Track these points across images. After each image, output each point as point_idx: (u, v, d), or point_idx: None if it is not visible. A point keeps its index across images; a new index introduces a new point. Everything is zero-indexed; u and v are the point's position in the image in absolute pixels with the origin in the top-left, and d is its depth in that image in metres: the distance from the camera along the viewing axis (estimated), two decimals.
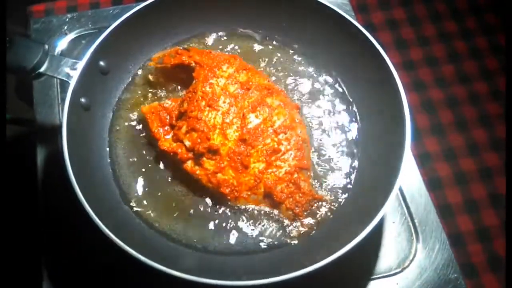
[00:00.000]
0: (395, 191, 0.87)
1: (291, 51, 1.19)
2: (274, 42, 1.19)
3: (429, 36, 1.88)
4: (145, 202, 1.00)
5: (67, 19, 1.30)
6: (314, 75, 1.16)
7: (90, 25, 1.30)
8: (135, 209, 1.00)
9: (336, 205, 1.00)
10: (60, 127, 0.92)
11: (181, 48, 1.13)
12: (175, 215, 0.99)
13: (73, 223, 0.95)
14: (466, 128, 1.72)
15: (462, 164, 1.66)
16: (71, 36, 1.29)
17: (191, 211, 1.00)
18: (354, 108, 1.11)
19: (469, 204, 1.60)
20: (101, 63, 1.04)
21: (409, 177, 1.11)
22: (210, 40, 1.20)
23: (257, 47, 1.19)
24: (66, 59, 1.00)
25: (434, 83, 1.80)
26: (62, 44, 1.28)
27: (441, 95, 1.79)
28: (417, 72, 1.84)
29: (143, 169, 1.04)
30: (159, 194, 1.01)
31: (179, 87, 1.13)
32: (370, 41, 1.02)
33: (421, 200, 1.09)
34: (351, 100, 1.12)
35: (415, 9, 1.95)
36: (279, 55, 1.18)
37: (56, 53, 1.25)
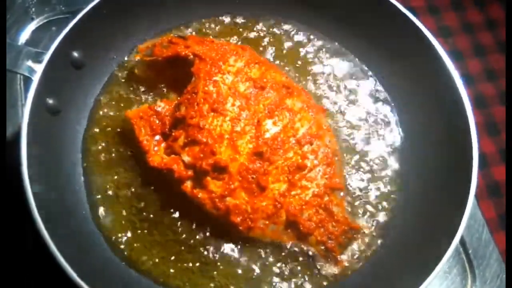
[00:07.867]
0: (460, 232, 0.74)
1: (310, 39, 1.04)
2: (290, 29, 1.05)
3: (452, 26, 1.76)
4: (129, 240, 0.87)
5: (34, 1, 1.16)
6: (342, 68, 1.02)
7: (62, 8, 1.15)
8: (116, 249, 0.84)
9: (380, 239, 0.86)
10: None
11: (176, 36, 1.01)
12: (169, 256, 0.85)
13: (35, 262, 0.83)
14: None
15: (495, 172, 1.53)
16: (39, 21, 1.15)
17: (191, 249, 0.84)
18: (396, 112, 0.98)
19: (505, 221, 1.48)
20: (74, 54, 0.92)
21: None
22: (212, 26, 1.06)
23: (268, 35, 1.05)
24: (28, 48, 0.89)
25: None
26: (27, 31, 1.13)
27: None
28: None
29: (127, 192, 0.90)
30: (148, 226, 0.87)
31: (173, 86, 1.00)
32: (417, 26, 0.90)
33: (477, 227, 0.94)
34: (392, 101, 0.99)
35: None
36: (294, 45, 1.04)
37: (19, 43, 1.11)
